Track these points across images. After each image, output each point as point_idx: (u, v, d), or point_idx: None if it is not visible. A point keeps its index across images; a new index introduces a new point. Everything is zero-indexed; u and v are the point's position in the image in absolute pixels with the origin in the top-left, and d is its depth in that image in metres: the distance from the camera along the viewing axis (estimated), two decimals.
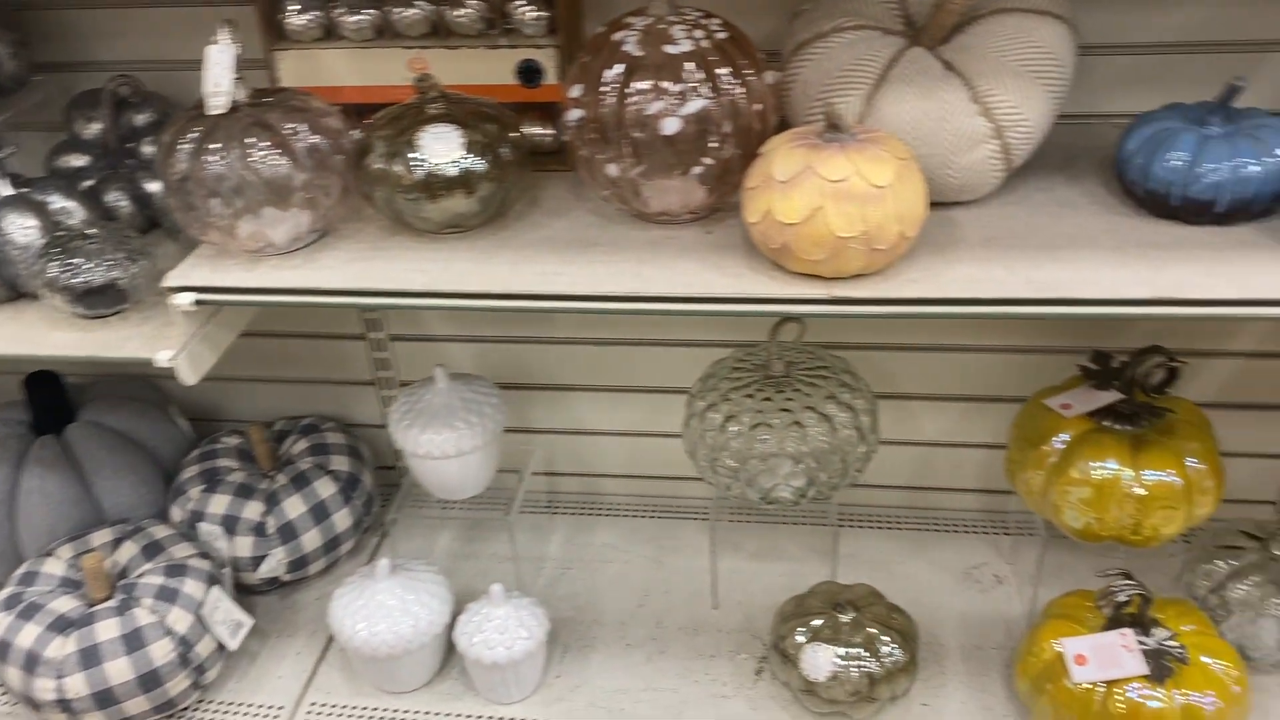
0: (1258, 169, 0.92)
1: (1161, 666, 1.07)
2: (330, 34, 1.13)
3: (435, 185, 0.98)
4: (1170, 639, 1.10)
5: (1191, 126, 0.97)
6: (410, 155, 0.98)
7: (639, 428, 1.51)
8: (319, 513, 1.40)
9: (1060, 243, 0.95)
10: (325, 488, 1.41)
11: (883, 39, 1.00)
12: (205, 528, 1.36)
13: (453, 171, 0.98)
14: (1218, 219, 0.95)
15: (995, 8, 0.99)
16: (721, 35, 0.97)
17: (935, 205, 1.01)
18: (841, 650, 1.19)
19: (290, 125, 0.98)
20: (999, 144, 0.98)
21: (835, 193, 0.87)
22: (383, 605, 1.24)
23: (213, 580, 1.29)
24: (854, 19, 1.02)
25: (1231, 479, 1.20)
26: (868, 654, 1.19)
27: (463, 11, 1.09)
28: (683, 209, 1.02)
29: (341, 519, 1.42)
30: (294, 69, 1.13)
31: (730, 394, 1.22)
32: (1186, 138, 0.95)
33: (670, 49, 0.95)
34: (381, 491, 1.55)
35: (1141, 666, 1.07)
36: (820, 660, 1.18)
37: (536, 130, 1.15)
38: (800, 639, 1.21)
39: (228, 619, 1.28)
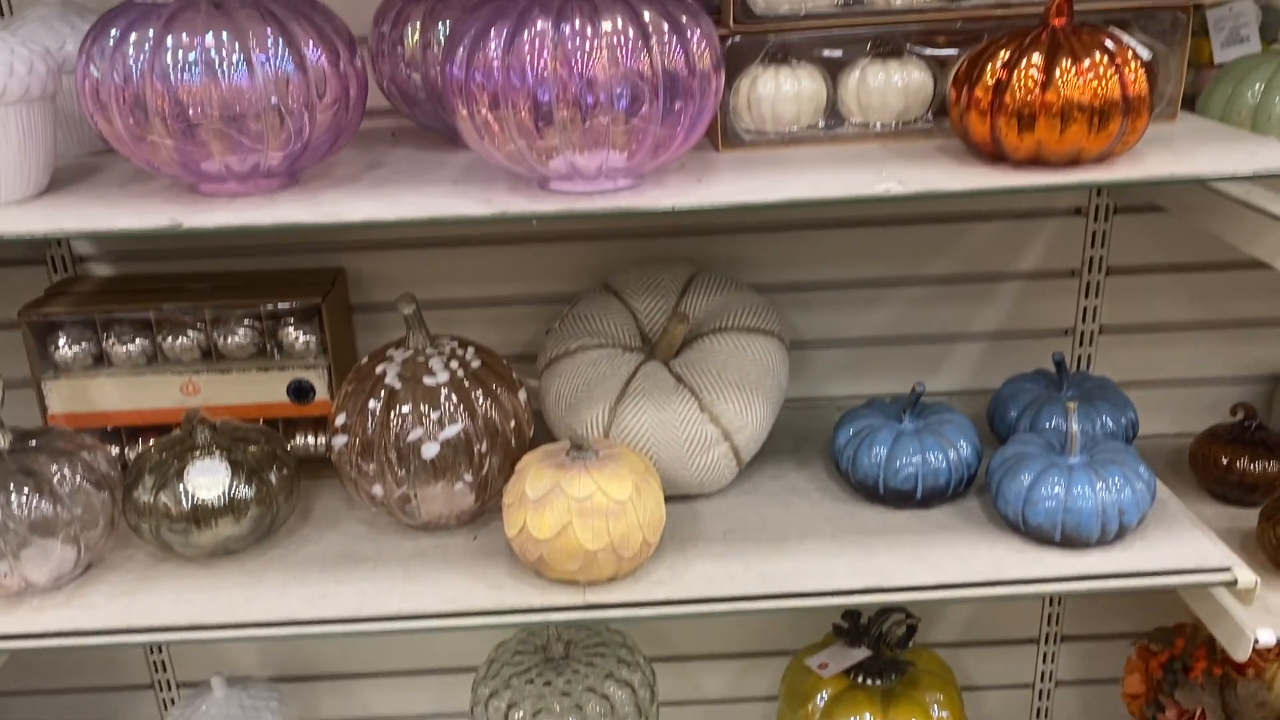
0: (944, 462, 1.08)
1: None
2: (101, 362, 1.17)
3: (203, 515, 1.02)
4: None
5: (889, 423, 1.12)
6: (178, 488, 1.02)
7: (432, 710, 1.52)
8: None
9: (789, 532, 1.07)
10: None
11: (622, 356, 1.13)
12: None
13: (220, 502, 1.02)
14: (919, 504, 1.10)
15: (715, 327, 1.14)
16: (476, 363, 1.07)
17: (680, 499, 1.12)
18: None
19: (55, 467, 1.00)
20: (729, 446, 1.10)
21: (581, 509, 0.96)
22: None
23: None
24: (596, 338, 1.14)
25: (983, 710, 1.32)
26: None
27: (234, 339, 1.16)
28: (451, 516, 1.09)
29: None
30: (63, 397, 1.16)
31: (512, 680, 1.25)
32: (884, 434, 1.10)
33: (428, 380, 1.03)
34: None
35: None
36: None
37: (309, 440, 1.21)
38: None
39: None
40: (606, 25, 0.81)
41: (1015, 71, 0.86)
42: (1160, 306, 1.33)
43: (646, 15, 0.82)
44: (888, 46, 1.01)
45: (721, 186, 0.90)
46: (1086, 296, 1.32)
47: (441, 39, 0.99)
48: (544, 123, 0.82)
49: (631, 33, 0.81)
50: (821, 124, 1.03)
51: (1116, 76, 0.85)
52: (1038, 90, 0.85)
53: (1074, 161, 0.88)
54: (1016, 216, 1.29)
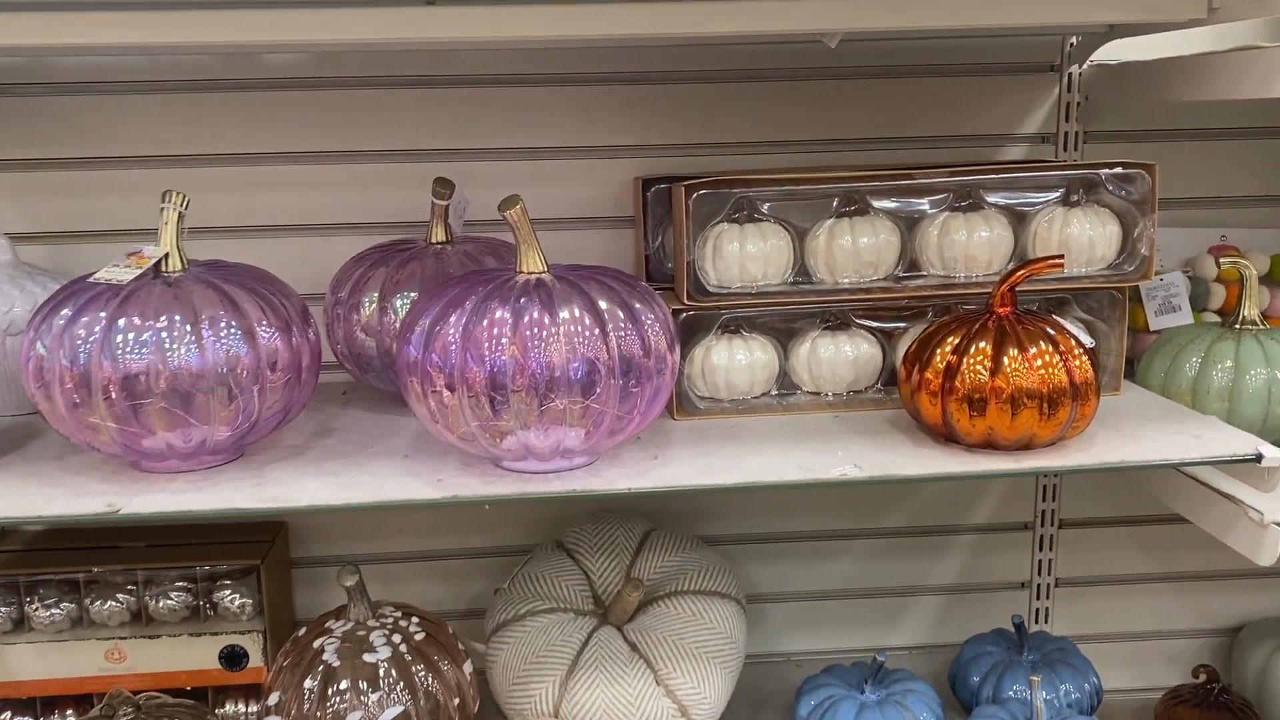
0: None
1: None
2: (21, 626, 1.10)
3: None
4: None
5: (851, 692, 1.08)
6: None
7: None
8: None
9: None
10: None
11: (574, 621, 1.09)
12: None
13: None
14: None
15: (671, 590, 1.11)
16: (419, 635, 1.02)
17: None
18: None
19: None
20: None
21: None
22: None
23: None
24: (547, 601, 1.11)
25: None
26: None
27: (166, 602, 1.10)
28: None
29: None
30: None
31: None
32: (847, 706, 1.06)
33: (368, 656, 0.98)
34: None
35: None
36: None
37: (241, 709, 1.13)
38: None
39: None
40: (564, 314, 0.81)
41: (964, 358, 0.88)
42: (1114, 559, 1.33)
43: (603, 304, 0.83)
44: (836, 320, 1.04)
45: (678, 465, 0.89)
46: (1041, 550, 1.32)
47: (399, 308, 0.99)
48: (500, 405, 0.81)
49: (588, 320, 0.82)
50: (774, 392, 1.04)
51: (1062, 365, 0.87)
52: (987, 377, 0.87)
53: (1026, 445, 0.89)
54: None
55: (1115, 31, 1.10)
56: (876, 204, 1.01)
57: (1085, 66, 1.18)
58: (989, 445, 0.89)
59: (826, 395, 1.04)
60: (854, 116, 1.19)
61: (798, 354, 1.03)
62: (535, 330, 0.80)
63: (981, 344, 0.89)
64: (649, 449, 0.93)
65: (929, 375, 0.90)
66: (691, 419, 1.02)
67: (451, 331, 0.82)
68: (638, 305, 0.85)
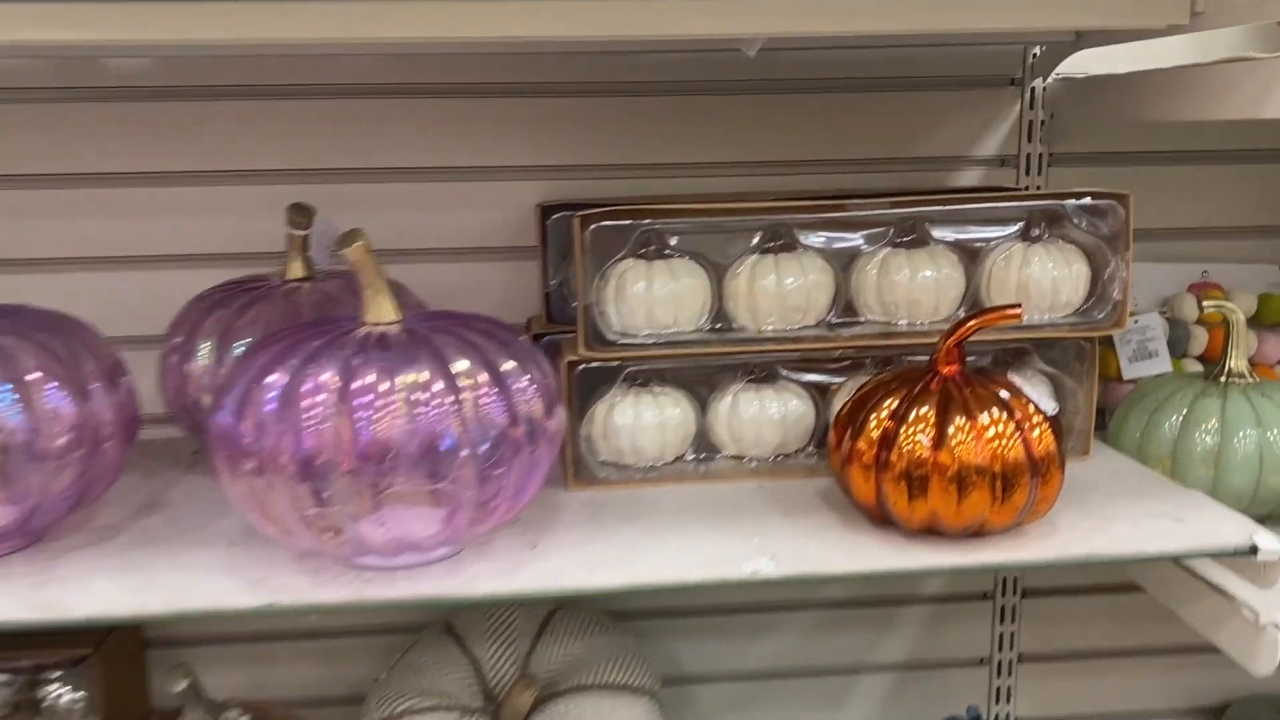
0: None
1: None
2: None
3: None
4: None
5: None
6: None
7: None
8: None
9: None
10: None
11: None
12: None
13: None
14: None
15: (575, 684, 0.96)
16: None
17: None
18: None
19: None
20: None
21: None
22: None
23: None
24: (428, 699, 0.95)
25: None
26: None
27: None
28: None
29: None
30: None
31: None
32: None
33: None
34: None
35: None
36: None
37: None
38: None
39: None
40: (408, 376, 0.66)
41: (903, 426, 0.74)
42: (1084, 632, 1.18)
43: (459, 363, 0.68)
44: (761, 372, 0.89)
45: (560, 557, 0.74)
46: (1002, 622, 1.17)
47: (239, 359, 0.83)
48: (325, 493, 0.65)
49: (439, 384, 0.66)
50: (690, 456, 0.89)
51: (1019, 436, 0.72)
52: (928, 450, 0.72)
53: (977, 532, 0.74)
54: None
55: (1084, 40, 0.96)
56: (806, 239, 0.87)
57: (1050, 80, 1.05)
58: (932, 531, 0.75)
59: (750, 461, 0.89)
60: (783, 137, 1.04)
61: (717, 412, 0.88)
62: (368, 397, 0.65)
63: (923, 409, 0.74)
64: (528, 533, 0.78)
65: (861, 445, 0.75)
66: (590, 489, 0.87)
67: (268, 397, 0.66)
68: (507, 364, 0.70)
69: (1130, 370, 1.04)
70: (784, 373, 0.89)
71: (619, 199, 0.93)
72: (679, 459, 0.89)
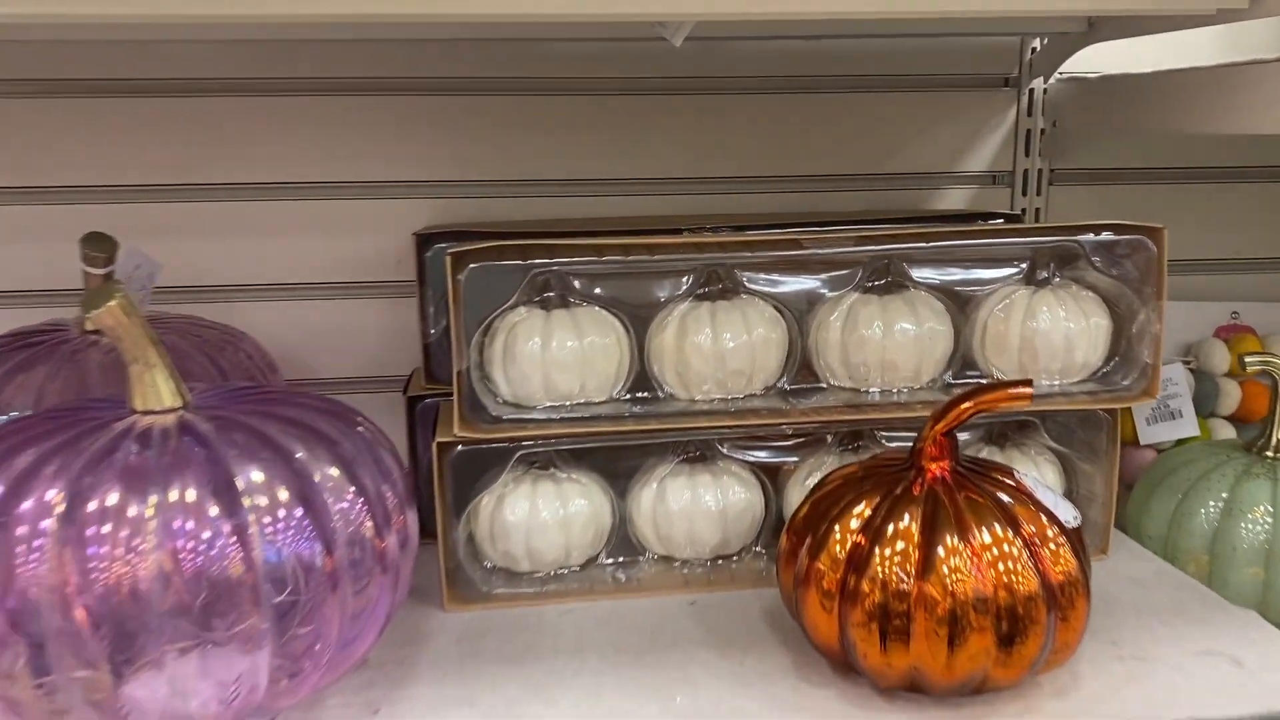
0: None
1: None
2: None
3: None
4: None
5: None
6: None
7: None
8: None
9: None
10: None
11: None
12: None
13: None
14: None
15: None
16: None
17: None
18: None
19: None
20: None
21: None
22: None
23: None
24: None
25: None
26: None
27: None
28: None
29: None
30: None
31: None
32: None
33: None
34: None
35: None
36: None
37: None
38: None
39: None
40: (166, 494, 0.46)
41: (878, 544, 0.54)
42: None
43: (250, 475, 0.48)
44: (695, 452, 0.69)
45: None
46: None
47: None
48: (46, 661, 0.45)
49: (212, 509, 0.46)
50: (605, 560, 0.70)
51: (1030, 560, 0.53)
52: (910, 579, 0.53)
53: (976, 690, 0.55)
54: None
55: (1096, 30, 0.77)
56: (751, 282, 0.67)
57: (1052, 81, 0.86)
58: (914, 688, 0.55)
59: (681, 565, 0.70)
60: (722, 147, 0.85)
61: (638, 504, 0.69)
62: (104, 527, 0.45)
63: (903, 522, 0.55)
64: (375, 686, 0.57)
65: (822, 564, 0.56)
66: (472, 609, 0.67)
67: None
68: (326, 471, 0.50)
69: (1149, 434, 0.85)
70: (724, 450, 0.70)
71: (519, 223, 0.74)
72: (589, 564, 0.69)
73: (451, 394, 0.66)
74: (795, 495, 0.69)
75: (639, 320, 0.67)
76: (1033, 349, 0.67)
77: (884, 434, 0.70)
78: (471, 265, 0.64)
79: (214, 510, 0.46)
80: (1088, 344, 0.67)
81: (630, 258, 0.65)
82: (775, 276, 0.68)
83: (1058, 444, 0.72)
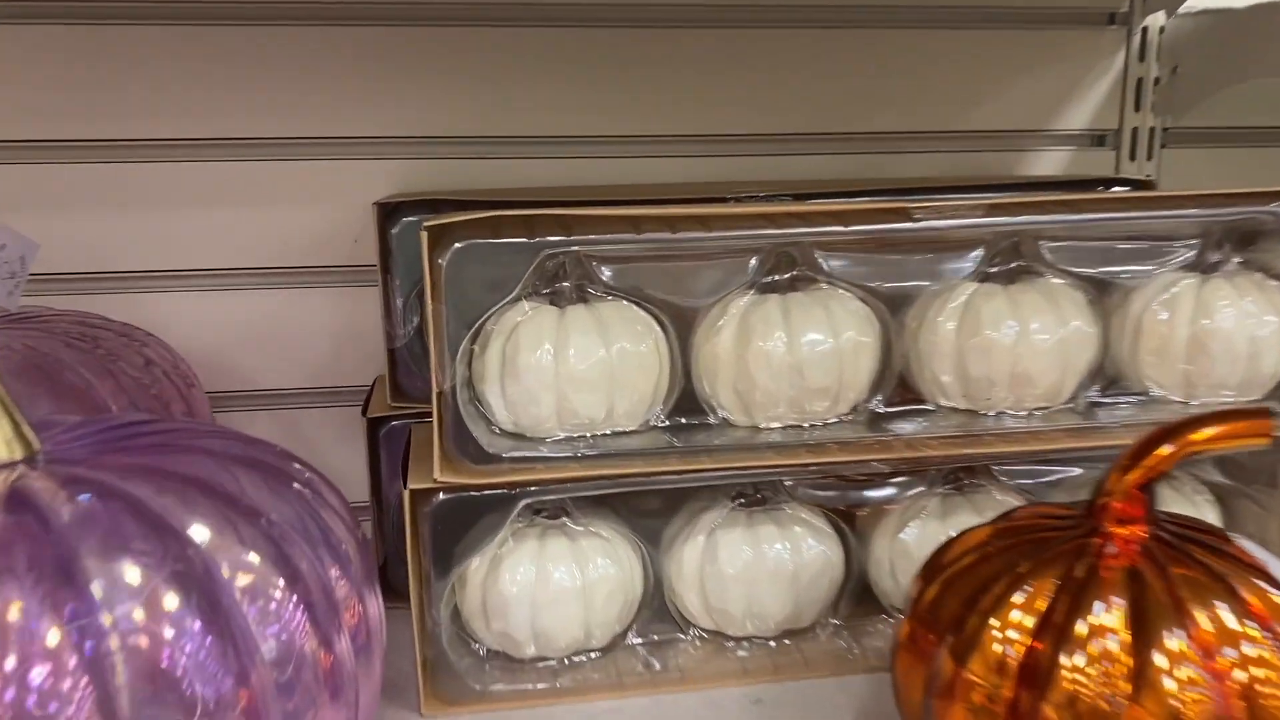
0: None
1: None
2: None
3: None
4: None
5: None
6: None
7: None
8: None
9: None
10: None
11: None
12: None
13: None
14: None
15: None
16: None
17: None
18: None
19: None
20: None
21: None
22: None
23: None
24: None
25: None
26: None
27: None
28: None
29: None
30: None
31: None
32: None
33: None
34: None
35: None
36: None
37: None
38: None
39: None
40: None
41: (1064, 647, 0.37)
42: None
43: (112, 576, 0.30)
44: (755, 497, 0.52)
45: None
46: None
47: None
48: None
49: (72, 605, 0.28)
50: (636, 640, 0.52)
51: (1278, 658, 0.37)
52: (1125, 695, 0.36)
53: None
54: None
55: None
56: (832, 265, 0.50)
57: (1172, 19, 0.70)
58: None
59: (736, 646, 0.52)
60: (763, 99, 0.67)
61: (680, 564, 0.51)
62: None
63: (1097, 617, 0.38)
64: None
65: (974, 674, 0.39)
66: (458, 713, 0.49)
67: None
68: (239, 560, 0.32)
69: None
70: (788, 487, 0.53)
71: (511, 190, 0.56)
72: (615, 646, 0.52)
73: (428, 416, 0.48)
74: (885, 550, 0.52)
75: (682, 320, 0.49)
76: (1207, 355, 0.50)
77: (1018, 482, 0.53)
78: (457, 244, 0.46)
79: (52, 634, 0.28)
80: (1277, 349, 0.51)
81: (678, 235, 0.48)
82: (861, 260, 0.50)
83: (1220, 475, 0.55)
